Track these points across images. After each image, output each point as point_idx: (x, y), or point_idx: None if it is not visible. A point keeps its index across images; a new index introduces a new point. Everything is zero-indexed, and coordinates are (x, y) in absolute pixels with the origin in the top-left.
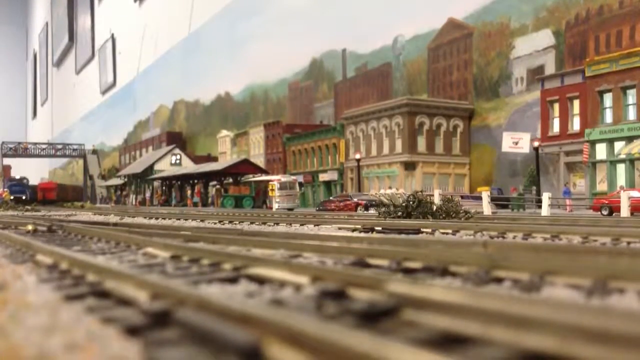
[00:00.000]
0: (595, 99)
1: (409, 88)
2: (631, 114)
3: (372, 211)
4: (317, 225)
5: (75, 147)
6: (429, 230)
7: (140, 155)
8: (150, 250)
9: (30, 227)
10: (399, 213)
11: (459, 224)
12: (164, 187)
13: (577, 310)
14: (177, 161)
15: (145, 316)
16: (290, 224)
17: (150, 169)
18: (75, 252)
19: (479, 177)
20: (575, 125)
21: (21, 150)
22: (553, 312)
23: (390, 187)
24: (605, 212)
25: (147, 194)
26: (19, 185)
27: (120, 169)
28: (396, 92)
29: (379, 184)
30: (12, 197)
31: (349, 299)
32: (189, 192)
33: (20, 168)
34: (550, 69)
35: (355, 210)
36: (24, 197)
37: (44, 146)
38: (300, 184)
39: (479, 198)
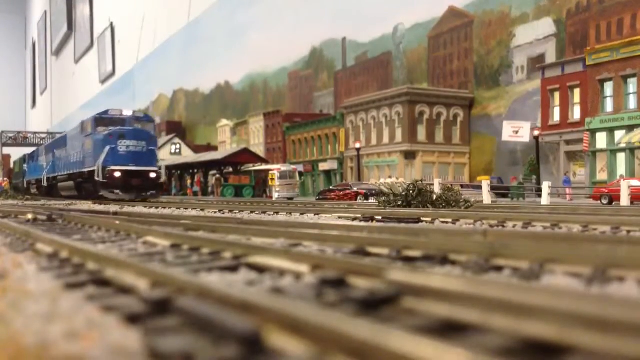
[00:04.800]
0: (596, 87)
1: (409, 77)
2: (632, 103)
3: (372, 200)
4: (317, 214)
5: None
6: (429, 219)
7: None
8: (150, 239)
9: (30, 216)
10: (399, 202)
11: (458, 213)
12: None
13: (576, 298)
14: (177, 150)
15: (145, 304)
16: (290, 213)
17: None
18: (75, 240)
19: (479, 166)
20: (576, 114)
21: (21, 140)
22: (553, 299)
23: (390, 177)
24: (605, 201)
25: None
26: (142, 158)
27: None
28: (396, 81)
29: (379, 173)
30: (116, 173)
31: (349, 287)
32: (188, 181)
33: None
34: (551, 58)
35: (355, 200)
36: (155, 176)
37: (43, 135)
38: (300, 173)
39: (479, 187)
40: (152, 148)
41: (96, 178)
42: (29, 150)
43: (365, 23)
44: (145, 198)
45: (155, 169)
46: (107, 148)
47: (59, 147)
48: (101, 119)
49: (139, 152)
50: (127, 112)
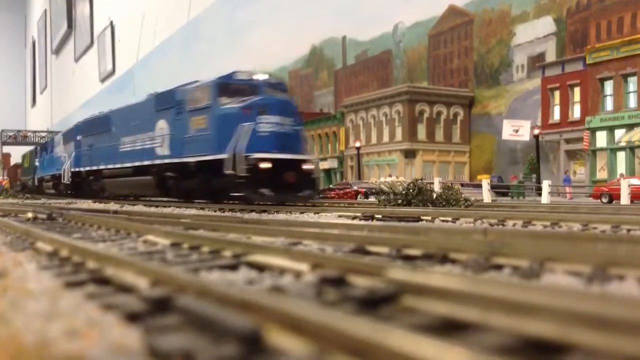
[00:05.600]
0: (596, 86)
1: (409, 75)
2: (632, 102)
3: (372, 199)
4: (317, 213)
5: None
6: (429, 217)
7: None
8: (150, 237)
9: (30, 215)
10: (399, 201)
11: (458, 212)
12: None
13: (576, 297)
14: None
15: (145, 303)
16: (290, 212)
17: None
18: (76, 239)
19: (479, 165)
20: (576, 112)
21: (21, 138)
22: (553, 298)
23: (390, 175)
24: (605, 200)
25: None
26: (290, 141)
27: None
28: (396, 80)
29: (379, 172)
30: (263, 164)
31: (349, 285)
32: None
33: (20, 157)
34: (551, 57)
35: (355, 198)
36: (309, 168)
37: (43, 134)
38: None
39: (479, 186)
40: (299, 128)
41: (226, 171)
42: (28, 149)
43: (365, 22)
44: (299, 200)
45: (308, 157)
46: (248, 127)
47: (97, 132)
48: (225, 86)
49: (287, 134)
50: (260, 76)
